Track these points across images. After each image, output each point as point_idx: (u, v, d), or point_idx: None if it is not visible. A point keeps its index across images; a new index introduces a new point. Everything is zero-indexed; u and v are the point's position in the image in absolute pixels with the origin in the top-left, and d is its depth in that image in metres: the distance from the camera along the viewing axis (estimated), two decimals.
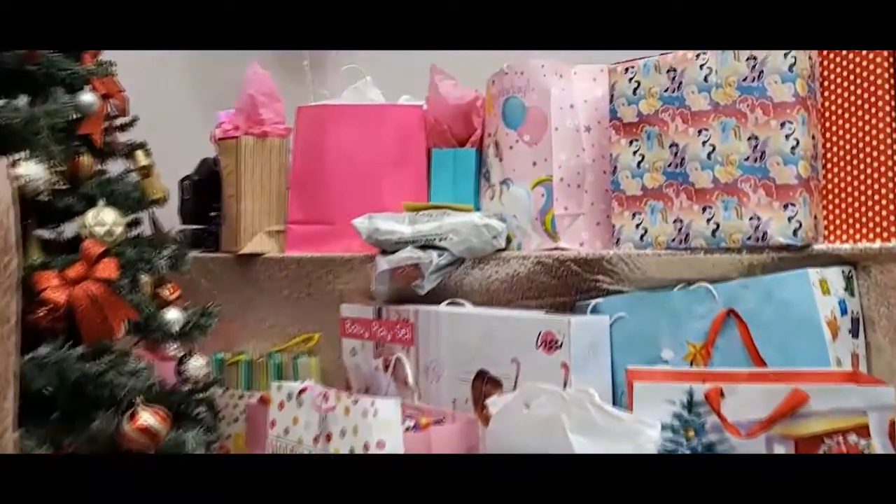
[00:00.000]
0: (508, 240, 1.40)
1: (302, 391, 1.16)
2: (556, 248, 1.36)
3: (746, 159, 1.18)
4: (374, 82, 1.61)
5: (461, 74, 1.56)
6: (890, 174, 1.13)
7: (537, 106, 1.38)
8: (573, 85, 1.39)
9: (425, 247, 1.37)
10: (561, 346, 1.12)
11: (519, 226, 1.40)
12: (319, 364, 1.49)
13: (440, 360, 1.28)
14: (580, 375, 1.10)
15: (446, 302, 1.34)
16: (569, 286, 1.30)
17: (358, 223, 1.42)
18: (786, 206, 1.15)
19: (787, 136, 1.15)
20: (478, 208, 1.48)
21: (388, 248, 1.40)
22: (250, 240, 1.59)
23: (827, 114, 1.19)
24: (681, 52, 1.24)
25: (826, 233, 1.19)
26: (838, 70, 1.18)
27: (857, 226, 1.16)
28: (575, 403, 0.99)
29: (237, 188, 1.60)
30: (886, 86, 1.14)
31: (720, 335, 1.12)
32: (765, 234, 1.16)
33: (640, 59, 1.28)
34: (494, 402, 1.10)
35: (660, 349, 1.16)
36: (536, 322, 1.16)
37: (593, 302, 1.22)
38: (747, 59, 1.18)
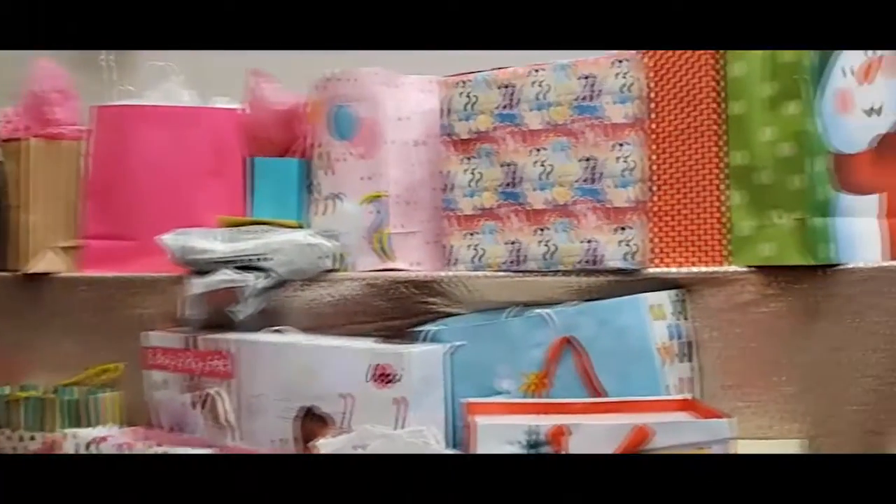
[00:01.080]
0: (342, 258, 1.30)
1: (100, 440, 1.01)
2: (388, 269, 1.27)
3: (581, 180, 1.15)
4: (186, 81, 1.46)
5: (283, 78, 1.44)
6: (718, 199, 1.15)
7: (370, 117, 1.30)
8: (406, 96, 1.31)
9: (244, 267, 1.24)
10: (396, 379, 1.04)
11: (350, 243, 1.31)
12: (122, 399, 1.32)
13: (262, 395, 1.16)
14: (417, 411, 1.03)
15: (269, 329, 1.22)
16: (401, 309, 1.23)
17: (166, 240, 1.26)
18: (620, 230, 1.13)
19: (621, 158, 1.13)
20: (303, 224, 1.37)
21: (202, 268, 1.26)
22: (38, 257, 1.39)
23: (655, 136, 1.19)
24: (516, 68, 1.20)
25: (654, 256, 1.18)
26: (668, 93, 1.18)
27: (687, 250, 1.17)
28: (412, 447, 0.91)
29: (22, 197, 1.39)
30: (714, 110, 1.15)
31: (557, 363, 1.09)
32: (599, 257, 1.14)
33: (474, 72, 1.23)
34: (323, 444, 1.00)
35: (497, 379, 1.11)
36: (369, 353, 1.07)
37: (429, 329, 1.15)
38: (583, 77, 1.15)
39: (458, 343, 1.11)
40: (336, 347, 1.12)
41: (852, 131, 1.13)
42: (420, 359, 1.06)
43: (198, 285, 1.23)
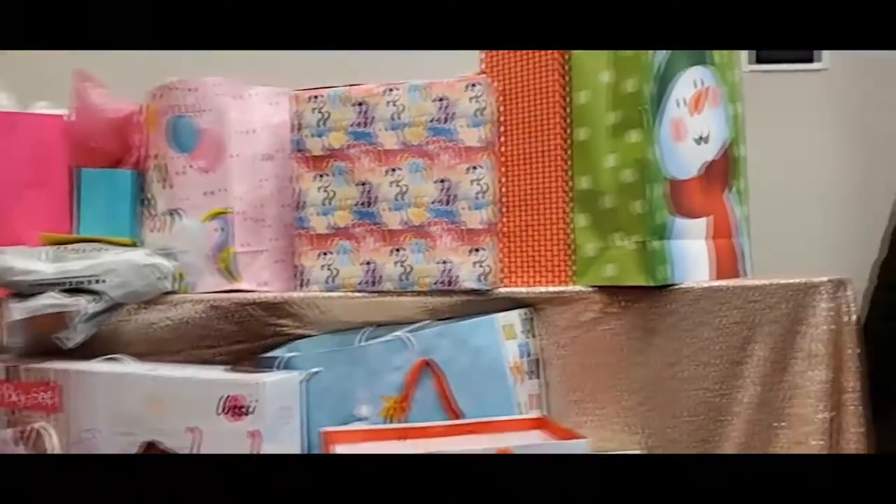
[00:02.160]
0: (181, 278, 1.22)
1: None
2: (234, 290, 1.21)
3: (436, 202, 1.15)
4: (4, 83, 1.31)
5: (115, 82, 1.33)
6: (564, 222, 1.18)
7: (213, 129, 1.22)
8: (253, 108, 1.25)
9: (73, 290, 1.13)
10: (249, 411, 0.98)
11: (191, 263, 1.22)
12: None
13: (96, 429, 1.06)
14: (272, 443, 0.98)
15: (103, 357, 1.12)
16: (250, 332, 1.17)
17: None
18: (474, 251, 1.14)
19: (475, 181, 1.14)
20: (137, 240, 1.27)
21: (23, 290, 1.13)
22: None
23: (505, 159, 1.21)
24: (370, 86, 1.18)
25: (504, 275, 1.20)
26: (517, 117, 1.20)
27: (535, 270, 1.19)
28: None
29: None
30: (561, 136, 1.18)
31: (417, 387, 1.08)
32: (454, 278, 1.14)
33: (326, 88, 1.19)
34: None
35: (356, 405, 1.08)
36: (220, 384, 1.01)
37: (283, 355, 1.10)
38: (438, 99, 1.15)
39: (314, 370, 1.07)
40: (183, 378, 1.04)
41: (685, 158, 1.21)
42: (275, 388, 1.01)
43: (19, 310, 1.10)
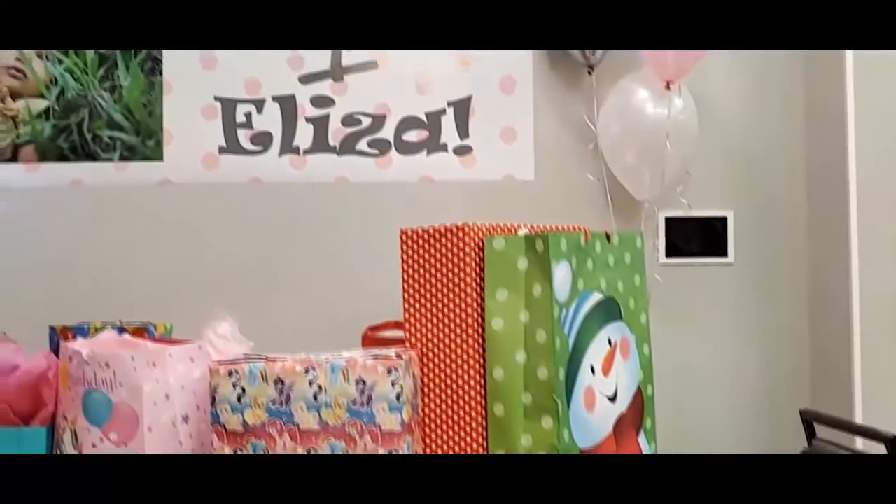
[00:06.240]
0: None
1: None
2: None
3: None
4: None
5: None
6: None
7: (126, 403, 1.15)
8: (168, 372, 1.19)
9: None
10: None
11: None
12: None
13: None
14: None
15: None
16: None
17: None
18: None
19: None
20: None
21: None
22: None
23: (426, 422, 1.18)
24: (289, 364, 1.13)
25: None
26: (437, 387, 1.18)
27: None
28: None
29: None
30: (479, 409, 1.16)
31: None
32: None
33: (244, 362, 1.15)
34: None
35: None
36: None
37: None
38: (358, 381, 1.11)
39: None
40: None
41: (597, 424, 1.20)
42: None
43: None
